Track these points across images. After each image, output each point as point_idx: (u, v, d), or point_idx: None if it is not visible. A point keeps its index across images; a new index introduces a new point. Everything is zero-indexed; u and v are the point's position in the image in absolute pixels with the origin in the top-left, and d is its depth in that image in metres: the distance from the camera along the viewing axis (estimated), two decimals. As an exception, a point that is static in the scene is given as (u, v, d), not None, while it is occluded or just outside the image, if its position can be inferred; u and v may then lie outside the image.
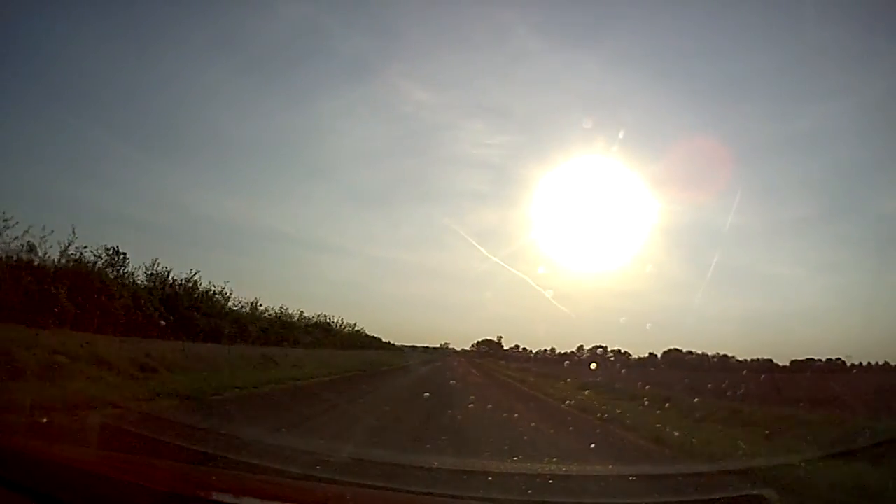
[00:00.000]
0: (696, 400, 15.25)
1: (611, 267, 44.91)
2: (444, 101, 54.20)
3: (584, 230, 36.37)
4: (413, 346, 71.99)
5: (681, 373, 31.11)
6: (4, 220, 16.65)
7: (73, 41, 38.30)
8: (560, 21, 47.52)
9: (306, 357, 27.96)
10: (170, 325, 21.06)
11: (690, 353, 46.84)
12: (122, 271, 22.81)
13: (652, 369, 39.88)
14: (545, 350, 60.90)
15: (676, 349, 47.89)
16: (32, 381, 9.77)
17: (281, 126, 52.29)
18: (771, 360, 36.24)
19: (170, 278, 25.31)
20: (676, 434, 9.96)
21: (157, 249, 55.23)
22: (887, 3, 30.28)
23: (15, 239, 17.02)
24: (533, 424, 12.02)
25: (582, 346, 49.72)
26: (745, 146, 45.77)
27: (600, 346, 46.45)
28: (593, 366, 33.97)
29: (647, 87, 45.81)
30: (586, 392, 20.40)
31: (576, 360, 45.22)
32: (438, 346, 75.42)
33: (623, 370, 31.08)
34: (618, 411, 13.85)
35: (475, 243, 64.45)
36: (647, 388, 18.91)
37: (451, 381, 26.14)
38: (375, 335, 59.35)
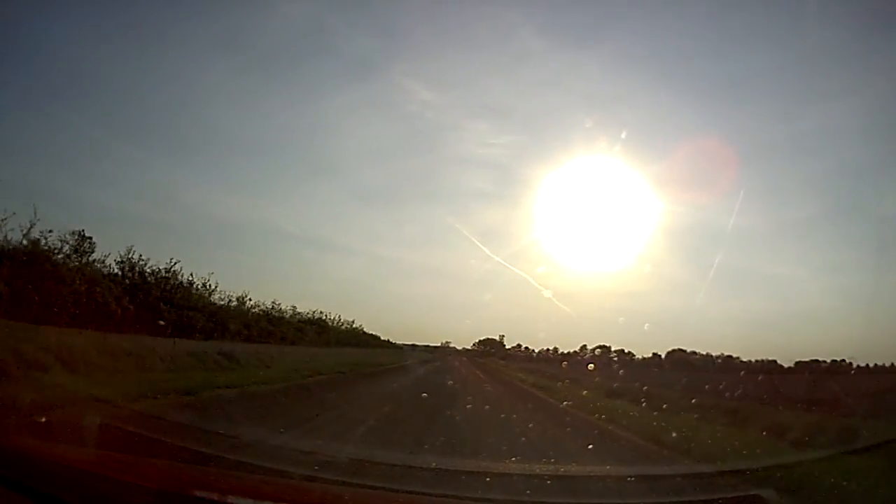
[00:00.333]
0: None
1: (614, 267, 44.82)
2: (448, 101, 54.06)
3: (587, 230, 36.28)
4: (413, 345, 72.25)
5: (704, 374, 30.45)
6: None
7: (75, 39, 38.15)
8: (564, 21, 47.41)
9: (287, 356, 25.94)
10: (130, 317, 19.42)
11: (694, 353, 46.73)
12: (88, 258, 21.10)
13: (655, 370, 39.87)
14: (547, 350, 60.79)
15: (681, 349, 47.76)
16: None
17: (285, 125, 52.18)
18: (775, 362, 36.20)
19: (147, 268, 23.44)
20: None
21: (160, 248, 55.08)
22: (890, 3, 30.26)
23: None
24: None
25: (585, 345, 49.73)
26: (747, 147, 45.66)
27: (603, 347, 46.58)
28: (617, 368, 33.63)
29: (650, 87, 45.65)
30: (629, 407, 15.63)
31: (579, 361, 45.13)
32: (439, 344, 75.41)
33: (635, 371, 30.28)
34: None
35: (478, 243, 64.47)
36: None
37: (449, 382, 24.12)
38: (374, 333, 59.01)
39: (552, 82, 49.52)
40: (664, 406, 14.76)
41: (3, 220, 17.26)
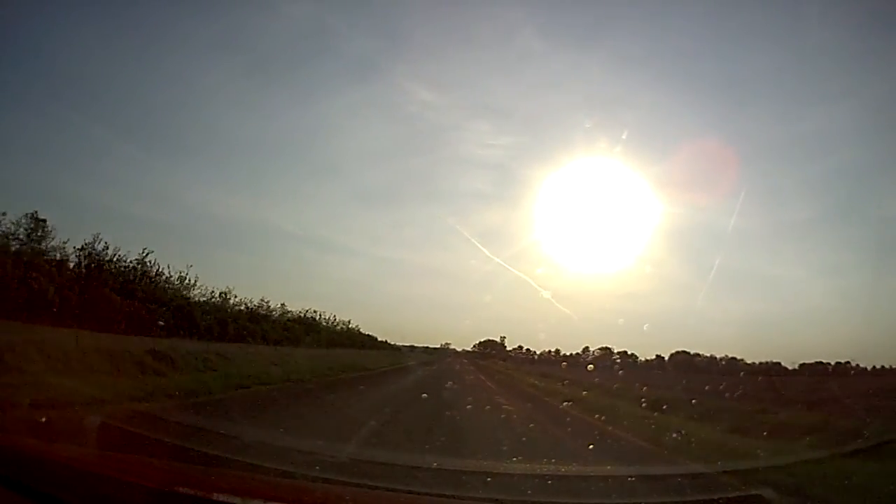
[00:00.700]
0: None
1: (614, 268, 44.68)
2: (448, 102, 54.23)
3: (587, 231, 36.12)
4: (412, 346, 71.54)
5: (706, 375, 30.03)
6: None
7: (76, 39, 38.21)
8: (564, 22, 47.56)
9: (255, 357, 22.44)
10: (69, 308, 17.62)
11: (698, 355, 46.50)
12: (43, 244, 19.64)
13: (658, 372, 39.77)
14: (549, 351, 60.46)
15: (684, 351, 47.52)
16: None
17: (285, 125, 52.27)
18: (779, 364, 36.22)
19: (114, 258, 21.63)
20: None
21: (160, 248, 54.94)
22: (891, 4, 30.32)
23: None
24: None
25: (587, 347, 49.34)
26: (748, 148, 45.80)
27: (605, 349, 46.37)
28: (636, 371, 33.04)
29: (650, 87, 45.78)
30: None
31: (583, 362, 44.94)
32: (439, 346, 75.14)
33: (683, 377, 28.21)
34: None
35: (478, 244, 64.36)
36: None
37: (447, 395, 17.89)
38: (371, 334, 57.29)
39: (552, 83, 49.69)
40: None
41: None
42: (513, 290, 65.87)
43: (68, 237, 20.84)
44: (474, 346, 75.08)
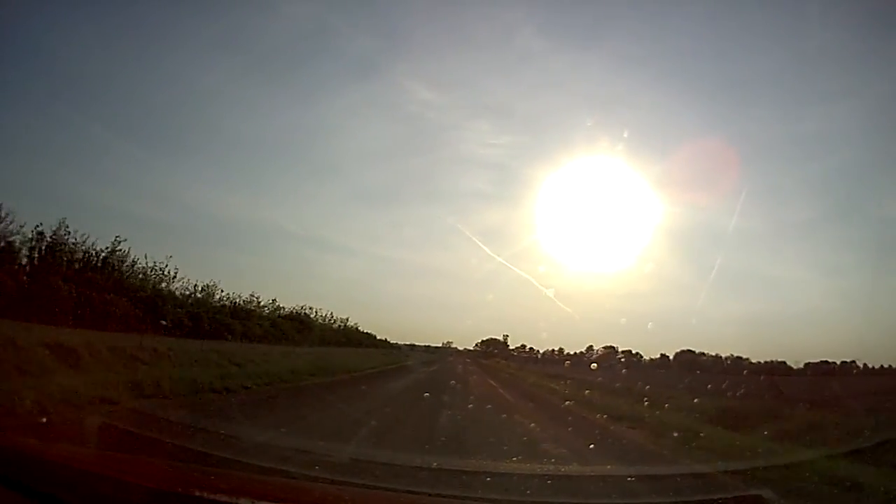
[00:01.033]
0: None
1: (615, 268, 44.76)
2: (449, 101, 54.16)
3: (589, 230, 36.18)
4: (412, 345, 71.37)
5: (711, 374, 29.65)
6: None
7: (76, 39, 38.26)
8: (565, 21, 47.55)
9: (210, 356, 17.97)
10: (12, 301, 16.58)
11: (703, 354, 46.35)
12: None
13: (663, 371, 39.66)
14: (552, 350, 60.10)
15: (689, 350, 47.38)
16: None
17: (286, 125, 52.24)
18: (784, 363, 36.20)
19: (75, 245, 20.40)
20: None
21: (161, 247, 54.99)
22: (891, 5, 30.24)
23: None
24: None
25: (591, 346, 49.08)
26: (748, 148, 45.75)
27: (610, 348, 46.23)
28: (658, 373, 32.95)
29: (650, 87, 45.81)
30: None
31: (586, 361, 44.69)
32: (441, 345, 74.92)
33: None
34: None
35: (479, 243, 64.36)
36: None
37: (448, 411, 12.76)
38: (370, 332, 56.39)
39: (553, 82, 49.57)
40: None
41: None
42: (514, 289, 65.92)
43: (25, 222, 19.61)
44: (476, 345, 74.97)
